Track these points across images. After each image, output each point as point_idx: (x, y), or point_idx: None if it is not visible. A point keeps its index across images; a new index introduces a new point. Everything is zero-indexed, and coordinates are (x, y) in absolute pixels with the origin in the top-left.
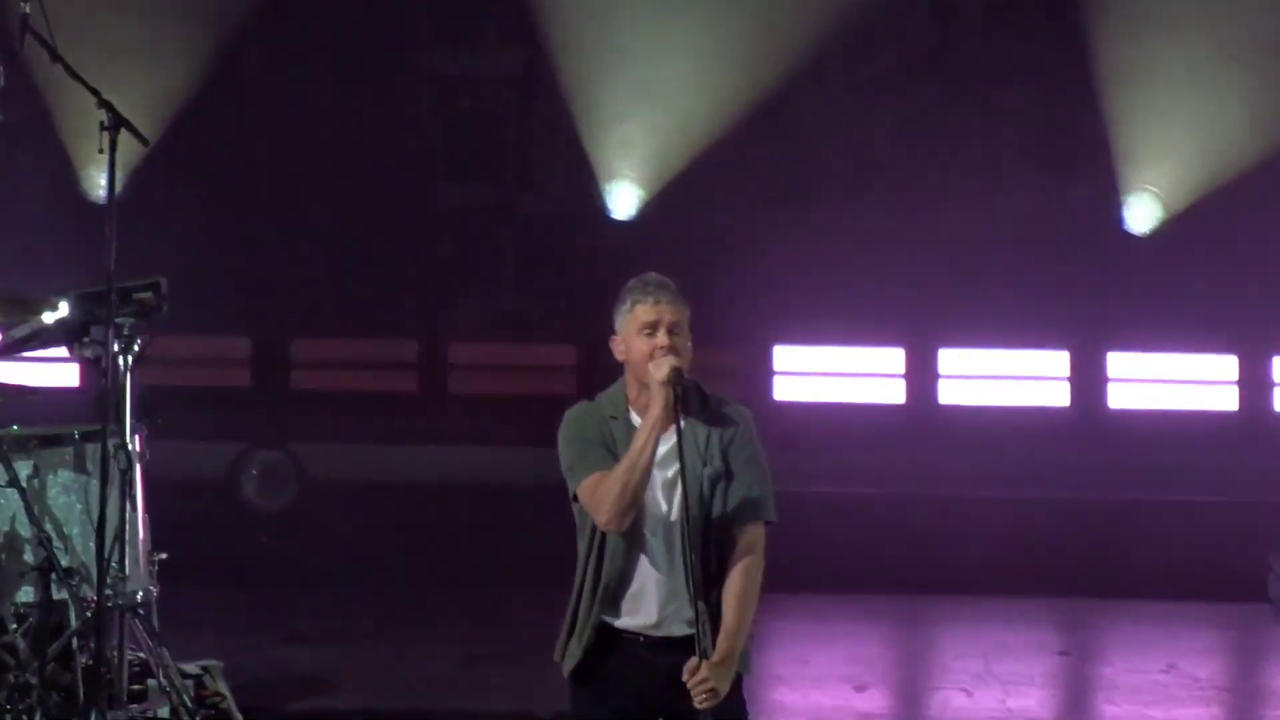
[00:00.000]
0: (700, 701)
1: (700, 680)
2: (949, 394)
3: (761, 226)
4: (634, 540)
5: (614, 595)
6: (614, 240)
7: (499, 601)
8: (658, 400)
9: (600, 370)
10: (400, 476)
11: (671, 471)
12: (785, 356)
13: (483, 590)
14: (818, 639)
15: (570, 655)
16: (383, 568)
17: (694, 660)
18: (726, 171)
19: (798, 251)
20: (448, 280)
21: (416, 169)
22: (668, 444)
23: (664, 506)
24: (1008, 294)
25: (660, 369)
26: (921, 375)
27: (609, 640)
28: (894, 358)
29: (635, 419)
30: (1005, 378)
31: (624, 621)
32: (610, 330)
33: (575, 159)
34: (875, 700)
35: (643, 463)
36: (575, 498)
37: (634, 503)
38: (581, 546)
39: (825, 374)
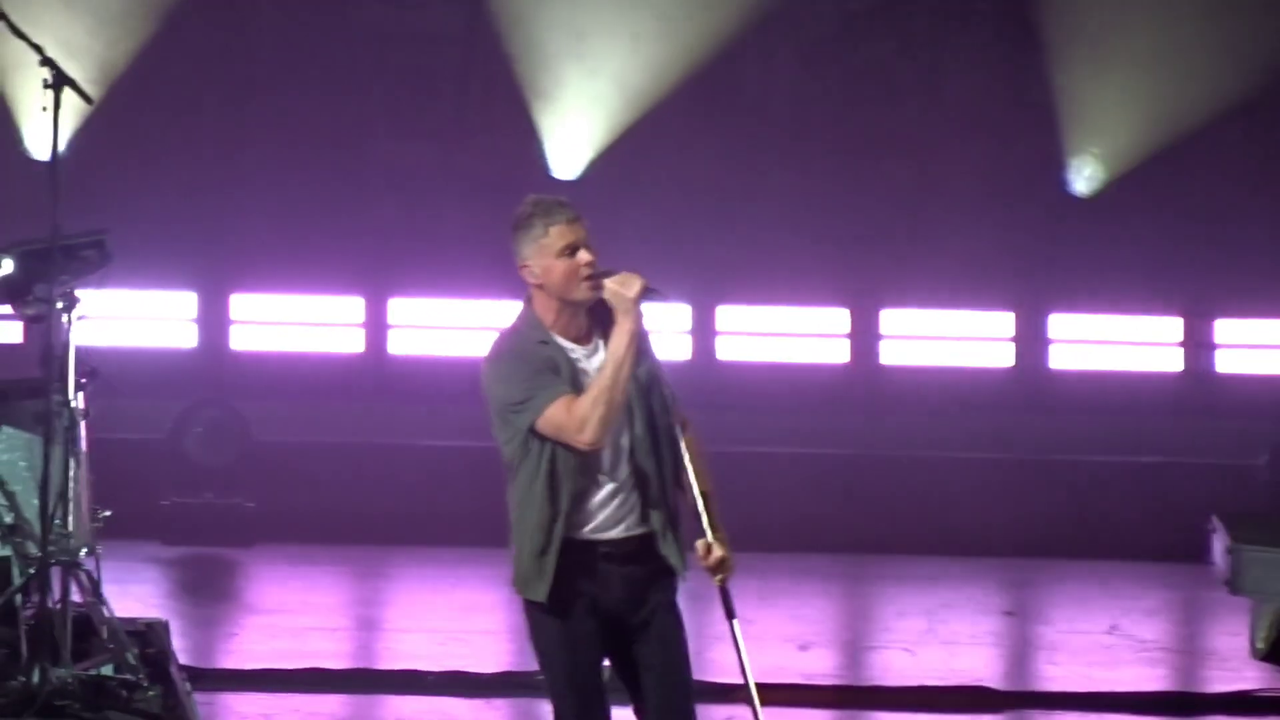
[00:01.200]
0: (721, 579)
1: (718, 557)
2: (892, 354)
3: (703, 186)
4: (587, 454)
5: (573, 511)
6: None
7: (447, 559)
8: (628, 316)
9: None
10: (345, 435)
11: None
12: (728, 316)
13: (430, 547)
14: (761, 598)
15: (538, 580)
16: (327, 526)
17: (701, 541)
18: (669, 131)
19: (739, 211)
20: (391, 237)
21: (358, 124)
22: (600, 356)
23: None
24: (951, 255)
25: (632, 287)
26: (865, 335)
27: (571, 558)
28: (837, 318)
29: (563, 341)
30: (948, 339)
31: (585, 534)
32: None
33: (517, 117)
34: (819, 660)
35: (624, 376)
36: (532, 430)
37: (617, 417)
38: (523, 475)
39: (768, 334)
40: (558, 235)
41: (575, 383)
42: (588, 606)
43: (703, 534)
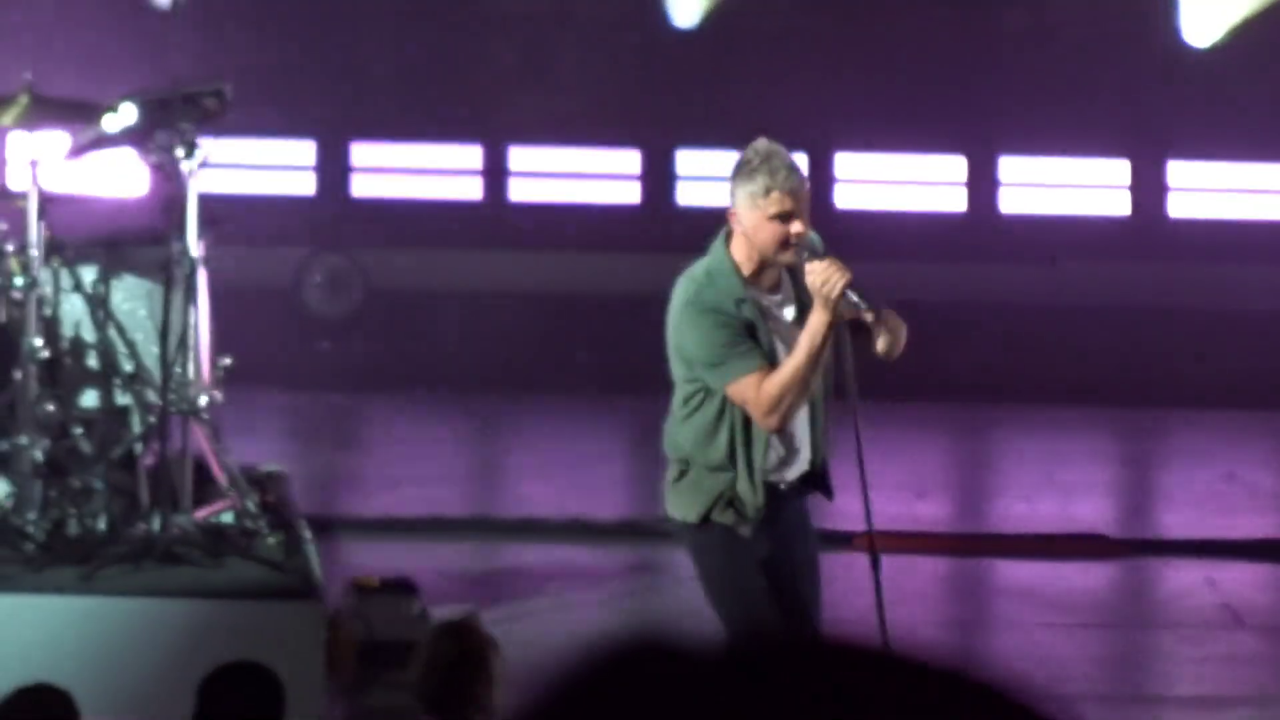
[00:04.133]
0: (840, 282)
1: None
2: (1010, 203)
3: (818, 33)
4: None
5: (755, 452)
6: (675, 46)
7: (567, 408)
8: (827, 310)
9: (663, 176)
10: (464, 283)
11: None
12: (846, 164)
13: (550, 395)
14: (877, 446)
15: (721, 510)
16: (447, 374)
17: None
18: None
19: (859, 58)
20: (509, 83)
21: None
22: (791, 308)
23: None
24: (1067, 102)
25: (834, 287)
26: (982, 183)
27: (751, 493)
28: (955, 165)
29: (757, 292)
30: (1063, 186)
31: (775, 476)
32: (677, 138)
33: None
34: (935, 506)
35: (814, 366)
36: (703, 388)
37: (802, 402)
38: (706, 413)
39: (886, 182)
40: (776, 201)
41: (767, 333)
42: (760, 536)
43: None
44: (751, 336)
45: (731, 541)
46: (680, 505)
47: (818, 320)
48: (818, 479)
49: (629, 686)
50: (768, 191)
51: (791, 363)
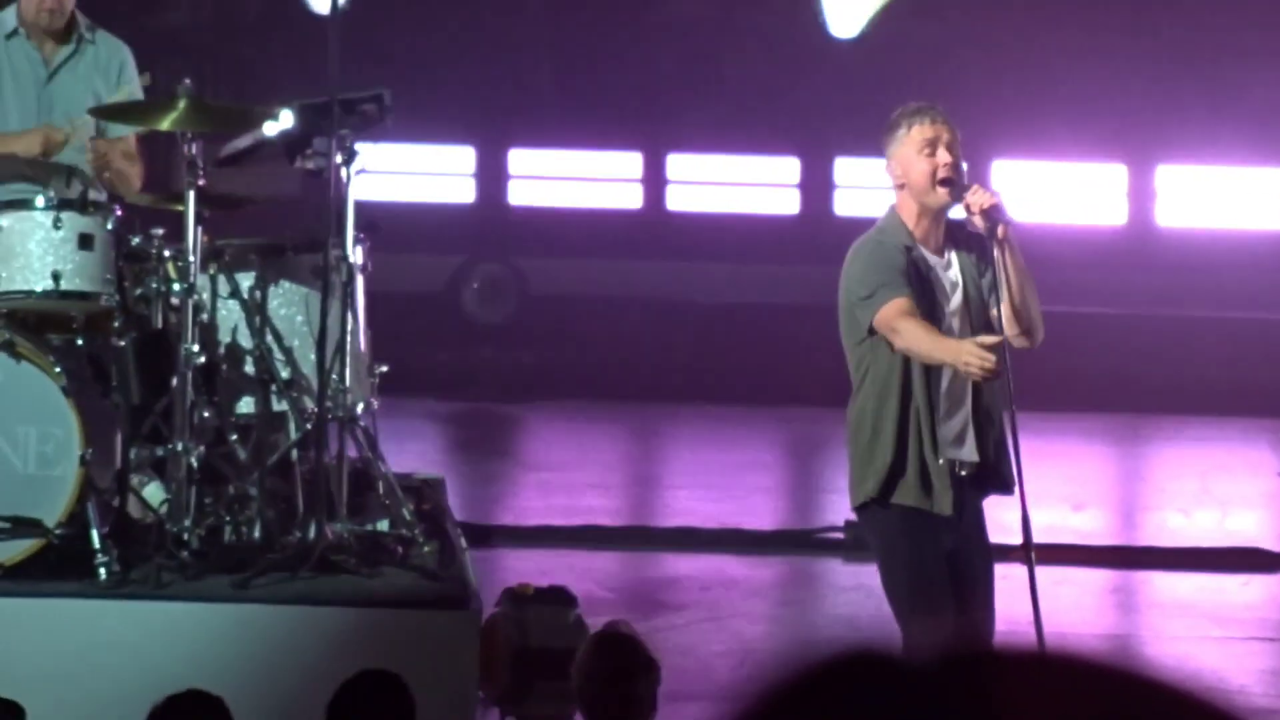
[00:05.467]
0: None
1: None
2: (1168, 215)
3: (982, 42)
4: (950, 374)
5: (927, 427)
6: (835, 56)
7: (723, 417)
8: (957, 354)
9: (822, 185)
10: (620, 291)
11: (956, 301)
12: (1005, 172)
13: (706, 405)
14: (1034, 457)
15: (899, 490)
16: (604, 382)
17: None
18: None
19: (1017, 65)
20: (670, 90)
21: None
22: (954, 270)
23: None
24: (1234, 111)
25: (987, 197)
26: (1141, 193)
27: (925, 472)
28: (1114, 174)
29: (923, 250)
30: (1228, 198)
31: (951, 453)
32: (835, 147)
33: None
34: (1093, 519)
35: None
36: (870, 332)
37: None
38: (873, 386)
39: (1044, 191)
40: (918, 132)
41: (928, 292)
42: (943, 525)
43: None
44: (912, 276)
45: (913, 523)
46: (859, 482)
47: (1011, 255)
48: (991, 473)
49: (845, 695)
50: (910, 127)
51: (929, 341)
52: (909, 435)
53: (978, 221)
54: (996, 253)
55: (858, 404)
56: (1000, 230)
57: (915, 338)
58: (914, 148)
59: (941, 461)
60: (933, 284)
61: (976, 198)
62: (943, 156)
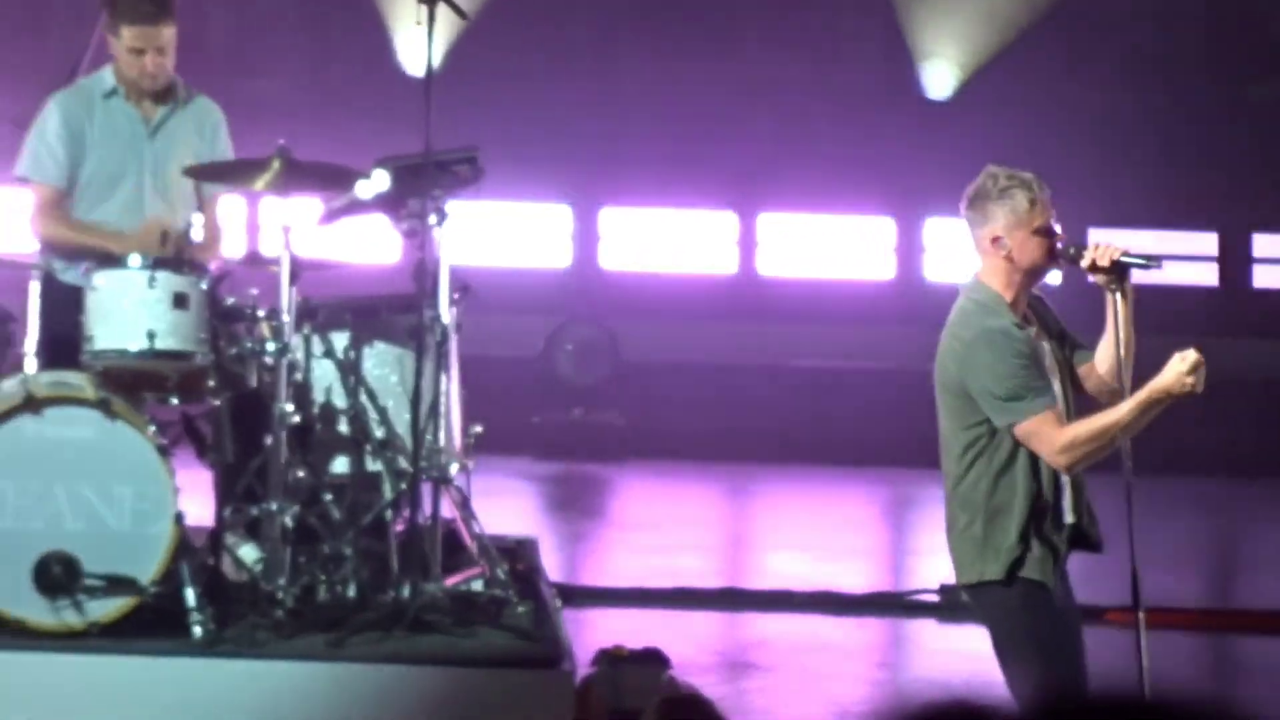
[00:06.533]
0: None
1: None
2: (1265, 278)
3: (1076, 108)
4: None
5: (1047, 495)
6: (929, 117)
7: (816, 478)
8: (1169, 378)
9: (915, 248)
10: (715, 355)
11: (1052, 367)
12: (1099, 239)
13: (799, 466)
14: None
15: (1026, 562)
16: (696, 444)
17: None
18: (1042, 51)
19: (1112, 135)
20: (763, 153)
21: (730, 38)
22: (1045, 344)
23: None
24: None
25: (1113, 251)
26: (1234, 259)
27: (1045, 539)
28: (1205, 241)
29: (1028, 329)
30: None
31: (1056, 514)
32: (929, 209)
33: (890, 34)
34: (1185, 582)
35: (1125, 430)
36: (990, 425)
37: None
38: (993, 457)
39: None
40: (1041, 211)
41: (1041, 367)
42: (1049, 589)
43: None
44: (1041, 373)
45: (1037, 598)
46: (973, 562)
47: (1163, 381)
48: (1081, 534)
49: None
50: (1032, 204)
51: (1116, 413)
52: (1035, 514)
53: (1099, 279)
54: (1121, 306)
55: (967, 483)
56: (1127, 283)
57: (1090, 438)
58: (1031, 228)
59: (1063, 534)
60: (1042, 360)
61: (1101, 253)
62: (1061, 236)
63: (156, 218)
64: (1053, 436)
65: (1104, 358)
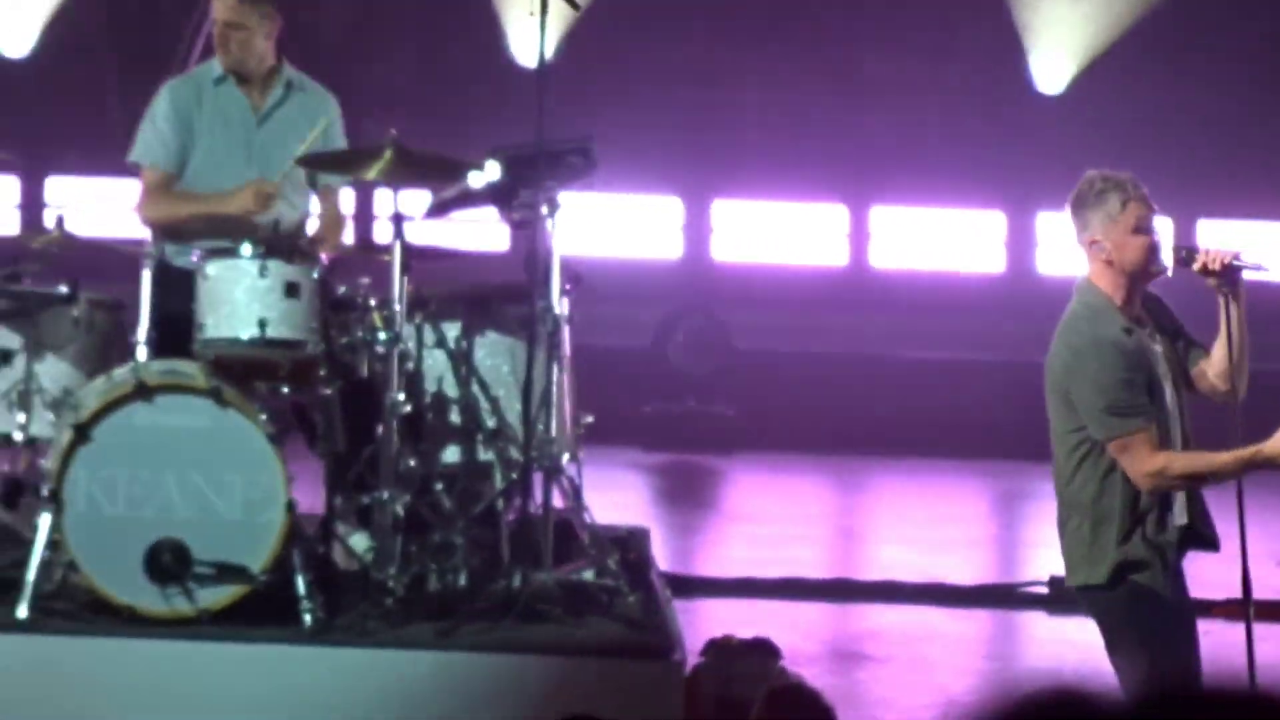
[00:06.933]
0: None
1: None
2: None
3: (1190, 104)
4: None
5: (1171, 507)
6: (1040, 112)
7: (926, 470)
8: (1277, 448)
9: (1028, 241)
10: (826, 345)
11: (1164, 369)
12: (1210, 231)
13: (909, 458)
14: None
15: (1143, 572)
16: (807, 435)
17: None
18: (1154, 47)
19: (1227, 130)
20: (874, 147)
21: (845, 35)
22: (1158, 344)
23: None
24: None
25: (1225, 255)
26: None
27: (1153, 542)
28: None
29: (1139, 332)
30: None
31: (1167, 519)
32: (1041, 203)
33: (1002, 30)
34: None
35: (1219, 480)
36: (1089, 438)
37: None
38: (1102, 464)
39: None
40: (1134, 210)
41: (1155, 379)
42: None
43: None
44: (1140, 369)
45: (1149, 602)
46: (1082, 565)
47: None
48: (1195, 534)
49: None
50: (1125, 204)
51: (1218, 461)
52: (1140, 518)
53: (1211, 282)
54: (1233, 308)
55: (1075, 484)
56: (1239, 286)
57: (1182, 474)
58: (1126, 228)
59: (1171, 536)
60: (1153, 363)
61: (1212, 257)
62: (1156, 235)
63: (260, 180)
64: (1143, 458)
65: (1216, 360)
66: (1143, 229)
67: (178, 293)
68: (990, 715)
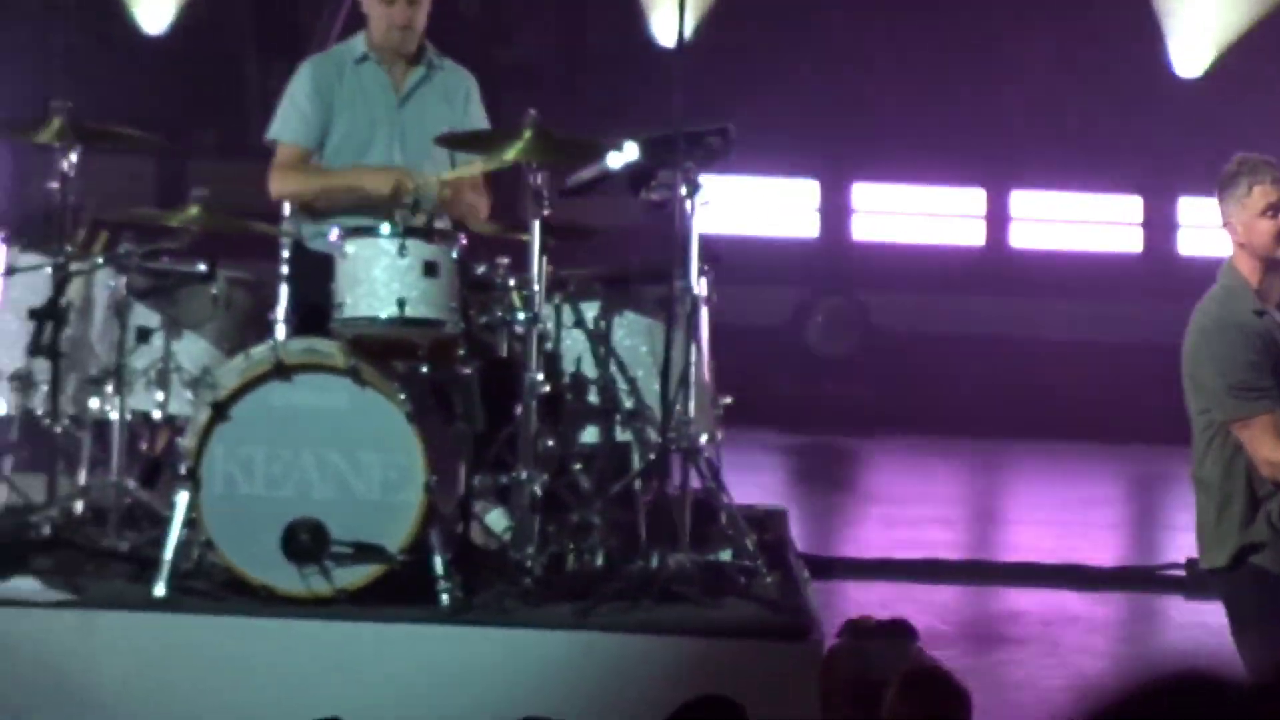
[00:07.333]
0: None
1: None
2: None
3: None
4: None
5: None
6: (1179, 94)
7: (1066, 453)
8: None
9: (1163, 226)
10: (965, 327)
11: None
12: None
13: (1049, 440)
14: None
15: (1265, 555)
16: (946, 417)
17: None
18: None
19: None
20: (1013, 130)
21: (982, 17)
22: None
23: None
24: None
25: None
26: None
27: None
28: None
29: (1274, 313)
30: None
31: None
32: (1180, 186)
33: (1140, 12)
34: None
35: None
36: (1221, 418)
37: None
38: (1229, 447)
39: None
40: (1261, 194)
41: (1278, 357)
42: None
43: None
44: (1268, 353)
45: (1265, 586)
46: (1209, 547)
47: None
48: None
49: (1170, 710)
50: (1251, 188)
51: None
52: (1262, 501)
53: None
54: None
55: (1205, 468)
56: None
57: None
58: (1255, 211)
59: None
60: None
61: None
62: None
63: (404, 171)
64: (1264, 445)
65: None
66: (1271, 213)
67: (313, 276)
68: (1122, 697)
